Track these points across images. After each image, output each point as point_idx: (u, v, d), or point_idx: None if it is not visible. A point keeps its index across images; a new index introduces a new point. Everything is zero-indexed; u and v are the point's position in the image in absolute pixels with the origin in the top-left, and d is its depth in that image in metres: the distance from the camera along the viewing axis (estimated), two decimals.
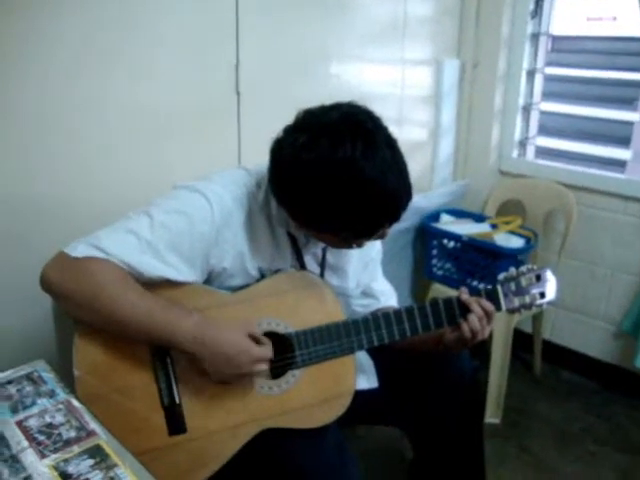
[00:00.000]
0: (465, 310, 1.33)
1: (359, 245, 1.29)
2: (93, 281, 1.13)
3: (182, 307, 1.18)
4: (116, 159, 1.57)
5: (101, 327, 1.17)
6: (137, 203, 1.25)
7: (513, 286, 1.35)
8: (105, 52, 1.49)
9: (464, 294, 1.33)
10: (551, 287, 1.36)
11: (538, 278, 1.35)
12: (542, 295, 1.35)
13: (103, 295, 1.12)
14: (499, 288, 1.35)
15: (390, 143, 1.16)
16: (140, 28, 1.54)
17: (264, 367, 1.20)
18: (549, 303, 1.38)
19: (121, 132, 1.56)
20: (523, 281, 1.34)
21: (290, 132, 1.18)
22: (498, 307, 1.35)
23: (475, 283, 2.32)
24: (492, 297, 1.34)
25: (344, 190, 1.12)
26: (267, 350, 1.21)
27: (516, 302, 1.35)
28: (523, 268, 1.35)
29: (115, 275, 1.14)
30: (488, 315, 1.33)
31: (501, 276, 1.35)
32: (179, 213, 1.19)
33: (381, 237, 1.26)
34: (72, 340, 1.20)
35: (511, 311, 1.36)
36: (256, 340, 1.21)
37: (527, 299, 1.36)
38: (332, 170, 1.11)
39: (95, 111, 1.50)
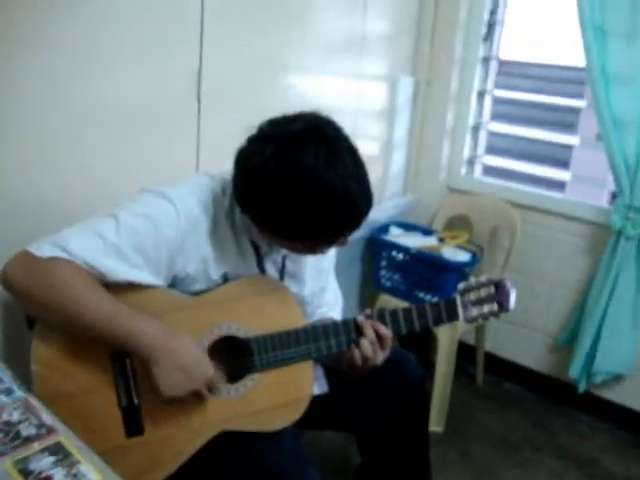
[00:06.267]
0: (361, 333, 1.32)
1: (321, 251, 1.31)
2: (57, 283, 1.12)
3: (146, 314, 1.18)
4: (69, 160, 1.50)
5: (63, 328, 1.15)
6: (93, 205, 1.23)
7: (472, 296, 1.36)
8: (64, 50, 1.43)
9: (360, 316, 1.34)
10: (510, 297, 1.37)
11: (497, 288, 1.37)
12: (500, 305, 1.37)
13: (68, 298, 1.12)
14: (458, 298, 1.37)
15: (352, 152, 1.20)
16: (102, 27, 1.49)
17: (206, 392, 1.22)
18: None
19: (75, 133, 1.49)
20: (482, 291, 1.36)
21: (256, 142, 1.20)
22: (456, 317, 1.36)
23: (422, 294, 2.37)
24: (451, 307, 1.36)
25: (307, 198, 1.15)
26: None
27: (474, 312, 1.37)
28: (482, 278, 1.37)
29: (80, 278, 1.13)
30: (381, 339, 1.32)
31: (461, 286, 1.36)
32: (145, 217, 1.19)
33: (342, 244, 1.29)
34: (25, 338, 1.17)
35: (469, 321, 1.37)
36: None
37: (485, 309, 1.37)
38: (296, 178, 1.14)
39: (46, 111, 1.43)
